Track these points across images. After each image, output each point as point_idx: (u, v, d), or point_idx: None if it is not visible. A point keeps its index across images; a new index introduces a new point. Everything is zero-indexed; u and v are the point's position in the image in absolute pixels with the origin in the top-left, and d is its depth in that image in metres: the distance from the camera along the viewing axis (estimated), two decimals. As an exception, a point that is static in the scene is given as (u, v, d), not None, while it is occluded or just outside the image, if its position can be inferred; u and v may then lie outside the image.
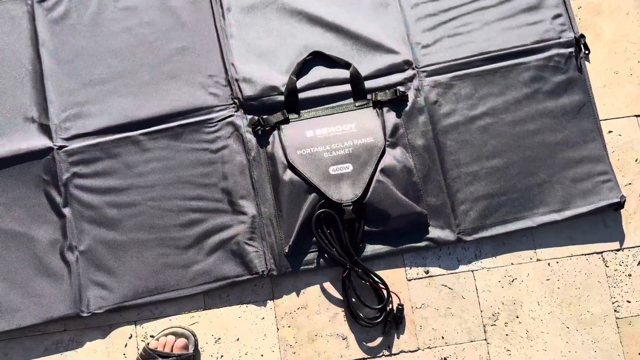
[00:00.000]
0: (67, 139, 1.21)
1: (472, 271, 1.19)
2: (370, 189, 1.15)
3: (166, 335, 1.12)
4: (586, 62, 1.26)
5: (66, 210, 1.18)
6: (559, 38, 1.25)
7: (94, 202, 1.19)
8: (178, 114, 1.22)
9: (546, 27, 1.26)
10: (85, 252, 1.17)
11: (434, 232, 1.18)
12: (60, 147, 1.20)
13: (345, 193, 1.15)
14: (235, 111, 1.22)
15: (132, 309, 1.16)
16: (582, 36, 1.26)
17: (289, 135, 1.19)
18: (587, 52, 1.26)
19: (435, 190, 1.19)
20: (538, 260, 1.20)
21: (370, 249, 1.18)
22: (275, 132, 1.20)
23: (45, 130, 1.21)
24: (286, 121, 1.20)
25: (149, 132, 1.21)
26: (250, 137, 1.21)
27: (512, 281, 1.19)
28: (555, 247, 1.20)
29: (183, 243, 1.17)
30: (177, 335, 1.12)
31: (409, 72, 1.24)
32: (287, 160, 1.17)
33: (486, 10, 1.27)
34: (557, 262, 1.20)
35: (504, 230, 1.18)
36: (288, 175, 1.17)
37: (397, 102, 1.22)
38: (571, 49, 1.25)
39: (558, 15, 1.27)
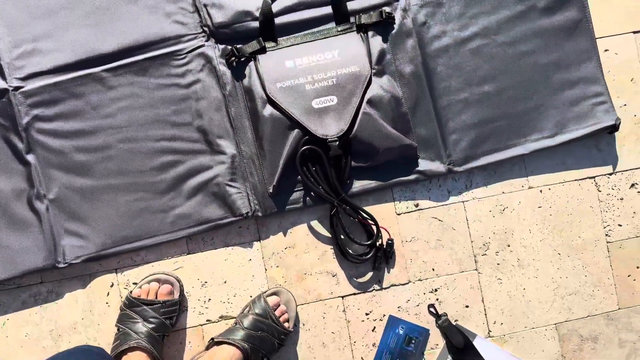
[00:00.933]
0: (23, 79, 1.09)
1: (463, 202, 1.16)
2: (357, 122, 1.08)
3: (149, 282, 1.08)
4: (584, -26, 1.17)
5: (30, 157, 1.09)
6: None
7: (60, 147, 1.10)
8: (142, 46, 1.10)
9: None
10: (56, 200, 1.09)
11: (424, 164, 1.13)
12: (16, 89, 1.09)
13: (331, 127, 1.08)
14: (206, 41, 1.11)
15: (111, 258, 1.11)
16: (581, -56, 1.15)
17: (267, 67, 1.10)
18: (585, -38, 1.16)
19: (424, 121, 1.13)
20: (530, 187, 1.17)
21: (358, 184, 1.12)
22: (252, 63, 1.11)
23: (-3, 70, 1.09)
24: (263, 50, 1.10)
25: (111, 67, 1.10)
26: (224, 70, 1.11)
27: (503, 210, 1.16)
28: (547, 174, 1.17)
29: (160, 187, 1.10)
30: (160, 281, 1.08)
31: (395, -9, 1.13)
32: (266, 94, 1.09)
33: None
34: (549, 189, 1.17)
35: (495, 159, 1.14)
36: (268, 110, 1.09)
37: (383, 25, 1.12)
38: (568, -40, 1.15)
39: None
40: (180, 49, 1.11)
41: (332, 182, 1.09)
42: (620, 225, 1.16)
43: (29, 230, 1.09)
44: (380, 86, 1.10)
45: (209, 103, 1.11)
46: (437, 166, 1.13)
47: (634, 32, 1.19)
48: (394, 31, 1.13)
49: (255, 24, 1.11)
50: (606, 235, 1.16)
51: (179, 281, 1.09)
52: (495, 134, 1.14)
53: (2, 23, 1.10)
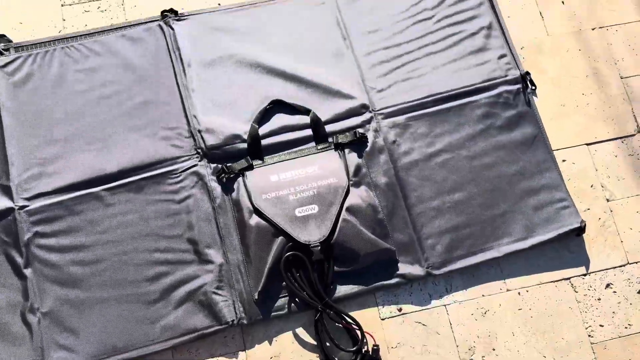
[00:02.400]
0: (29, 199, 1.19)
1: (445, 305, 1.19)
2: (337, 229, 1.16)
3: None
4: (534, 97, 1.33)
5: (27, 271, 1.15)
6: (506, 76, 1.32)
7: (56, 261, 1.16)
8: (140, 167, 1.22)
9: (493, 67, 1.33)
10: (48, 313, 1.12)
11: (404, 268, 1.18)
12: (22, 207, 1.18)
13: (313, 234, 1.15)
14: (199, 161, 1.23)
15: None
16: (528, 73, 1.33)
17: (254, 181, 1.20)
18: (533, 87, 1.33)
19: (401, 226, 1.21)
20: (508, 290, 1.20)
21: (342, 289, 1.17)
22: (240, 179, 1.21)
23: (6, 191, 1.20)
24: (250, 167, 1.22)
25: (111, 187, 1.21)
26: (215, 185, 1.22)
27: (485, 313, 1.18)
28: (524, 276, 1.21)
29: (150, 297, 1.14)
30: None
31: (367, 115, 1.28)
32: (253, 205, 1.18)
33: (434, 54, 1.34)
34: (527, 291, 1.20)
35: (471, 262, 1.19)
36: (254, 220, 1.17)
37: (358, 144, 1.26)
38: (518, 86, 1.32)
39: (503, 56, 1.34)
40: (175, 168, 1.22)
41: (316, 287, 1.13)
42: (601, 325, 1.18)
43: (20, 344, 1.11)
44: (358, 195, 1.20)
45: (200, 215, 1.19)
46: (416, 269, 1.18)
47: (587, 144, 1.31)
48: (367, 148, 1.26)
49: (244, 145, 1.24)
50: (589, 336, 1.17)
51: None
52: (469, 239, 1.21)
53: (16, 151, 1.23)
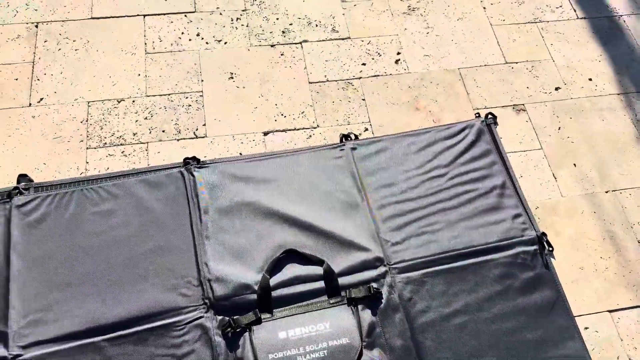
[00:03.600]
0: (24, 347, 1.12)
1: None
2: (349, 396, 1.07)
3: None
4: (552, 259, 1.30)
5: None
6: (522, 236, 1.31)
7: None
8: (144, 317, 1.17)
9: (508, 226, 1.33)
10: None
11: None
12: (15, 357, 1.11)
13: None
14: (205, 312, 1.19)
15: None
16: (544, 234, 1.32)
17: (261, 338, 1.14)
18: (550, 249, 1.31)
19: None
20: None
21: None
22: (246, 334, 1.15)
23: (2, 337, 1.13)
24: (258, 321, 1.17)
25: (112, 337, 1.15)
26: (219, 340, 1.15)
27: None
28: None
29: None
30: None
31: (381, 269, 1.25)
32: (258, 366, 1.11)
33: (448, 211, 1.35)
34: None
35: None
36: None
37: (372, 299, 1.21)
38: (535, 247, 1.30)
39: (518, 215, 1.34)
40: (180, 320, 1.17)
41: None
42: None
43: None
44: (371, 357, 1.12)
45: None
46: None
47: (609, 311, 1.26)
48: (382, 305, 1.21)
49: (253, 296, 1.20)
50: None
51: None
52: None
53: (19, 295, 1.18)
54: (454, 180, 1.39)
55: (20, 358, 1.11)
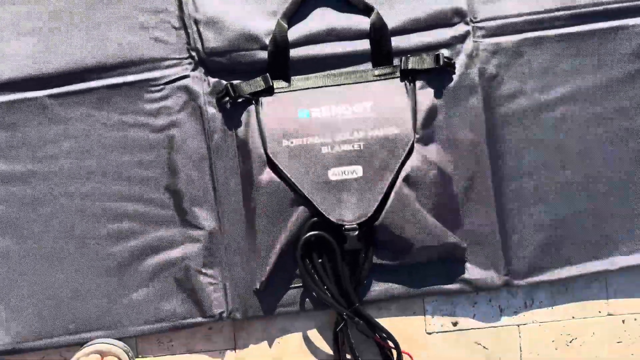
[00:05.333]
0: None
1: (518, 325, 0.85)
2: (387, 206, 0.77)
3: (87, 354, 0.79)
4: None
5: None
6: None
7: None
8: (104, 68, 0.80)
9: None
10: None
11: (473, 272, 0.82)
12: None
13: (350, 210, 0.77)
14: (192, 70, 0.81)
15: (32, 354, 0.82)
16: None
17: (272, 115, 0.79)
18: None
19: (480, 212, 0.82)
20: (609, 314, 0.85)
21: (379, 288, 0.82)
22: (252, 108, 0.80)
23: None
24: (269, 91, 0.80)
25: (60, 93, 0.80)
26: (213, 113, 0.81)
27: (571, 341, 0.85)
28: (636, 298, 0.85)
29: (108, 264, 0.81)
30: (103, 354, 0.79)
31: (461, 28, 0.82)
32: (267, 154, 0.78)
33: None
34: (635, 319, 0.85)
35: (570, 274, 0.83)
36: (267, 176, 0.78)
37: (438, 74, 0.81)
38: None
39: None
40: (155, 77, 0.80)
41: (344, 285, 0.78)
42: None
43: None
44: (425, 158, 0.79)
45: (188, 156, 0.81)
46: (490, 276, 0.82)
47: None
48: (452, 84, 0.81)
49: (263, 53, 0.80)
50: None
51: (127, 353, 0.80)
52: (575, 239, 0.83)
53: None
54: None
55: None
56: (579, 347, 0.85)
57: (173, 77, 0.80)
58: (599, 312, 0.85)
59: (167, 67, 0.81)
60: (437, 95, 0.81)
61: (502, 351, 0.84)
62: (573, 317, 0.85)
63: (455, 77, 0.81)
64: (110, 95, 0.80)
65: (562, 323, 0.85)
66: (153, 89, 0.80)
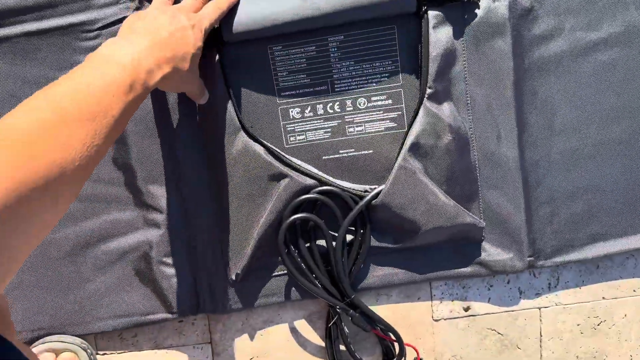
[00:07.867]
0: None
1: (539, 309, 0.73)
2: (389, 182, 0.62)
3: (38, 353, 0.68)
4: None
5: None
6: None
7: None
8: (23, 10, 0.62)
9: None
10: None
11: (491, 253, 0.69)
12: None
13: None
14: (135, 9, 0.62)
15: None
16: None
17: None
18: None
19: (501, 182, 0.67)
20: (645, 294, 0.74)
21: (378, 274, 0.69)
22: (213, 55, 0.62)
23: None
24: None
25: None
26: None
27: (599, 325, 0.74)
28: (674, 277, 0.73)
29: (54, 252, 0.67)
30: (57, 351, 0.68)
31: (487, -54, 0.62)
32: (238, 117, 0.62)
33: None
34: (675, 298, 0.74)
35: (604, 251, 0.70)
36: (240, 141, 0.62)
37: (459, 8, 0.63)
38: None
39: None
40: (88, 20, 0.62)
41: (337, 274, 0.65)
42: None
43: None
44: (437, 118, 0.63)
45: (138, 121, 0.64)
46: (511, 258, 0.68)
47: None
48: (475, 20, 0.63)
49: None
50: None
51: (86, 350, 0.69)
52: (612, 211, 0.69)
53: None
54: None
55: None
56: (607, 330, 0.74)
57: (111, 20, 0.62)
58: (633, 291, 0.73)
59: (103, 5, 0.62)
60: (457, 34, 0.63)
61: (519, 338, 0.73)
62: (603, 298, 0.73)
63: (479, 12, 0.63)
64: (31, 45, 0.62)
65: (591, 305, 0.73)
66: (85, 35, 0.62)
